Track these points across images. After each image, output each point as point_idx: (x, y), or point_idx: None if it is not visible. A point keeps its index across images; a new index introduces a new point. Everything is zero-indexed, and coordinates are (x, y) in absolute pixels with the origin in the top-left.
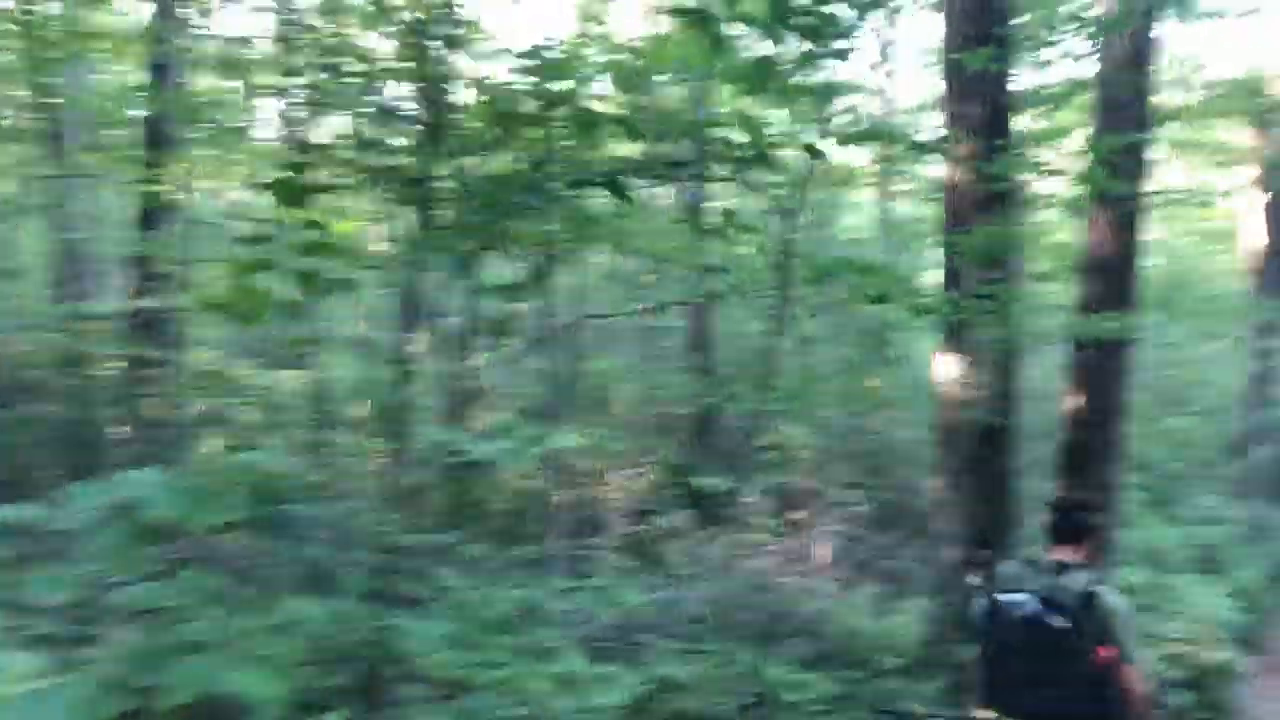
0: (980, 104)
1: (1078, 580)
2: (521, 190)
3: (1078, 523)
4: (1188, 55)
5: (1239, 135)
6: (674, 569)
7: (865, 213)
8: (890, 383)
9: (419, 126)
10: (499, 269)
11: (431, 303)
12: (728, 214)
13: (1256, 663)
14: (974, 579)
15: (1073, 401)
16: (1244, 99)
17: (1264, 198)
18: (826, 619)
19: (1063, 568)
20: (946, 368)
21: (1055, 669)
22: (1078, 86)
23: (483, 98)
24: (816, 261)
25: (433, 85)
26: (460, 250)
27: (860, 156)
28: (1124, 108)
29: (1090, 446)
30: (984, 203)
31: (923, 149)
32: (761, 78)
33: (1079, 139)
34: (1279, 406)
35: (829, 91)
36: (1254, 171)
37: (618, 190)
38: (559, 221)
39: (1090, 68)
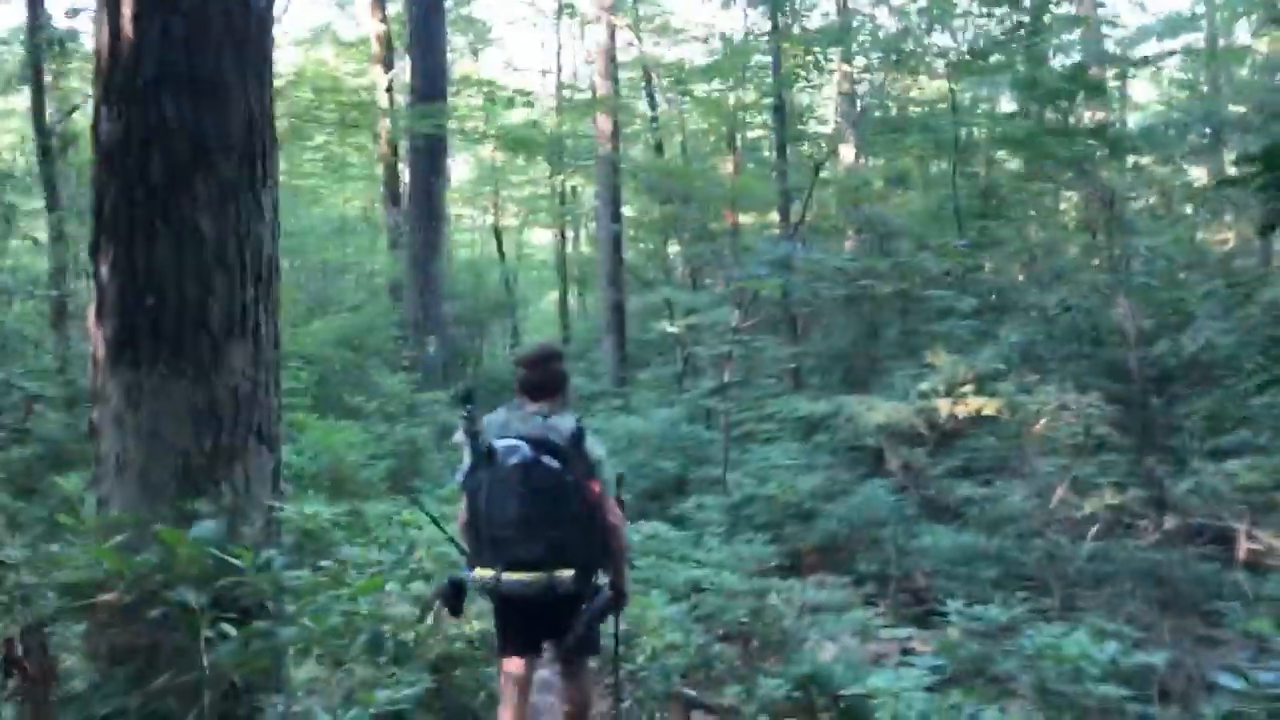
0: None
1: (565, 423)
2: None
3: (552, 374)
4: None
5: None
6: None
7: None
8: None
9: None
10: None
11: None
12: None
13: None
14: (456, 432)
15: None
16: None
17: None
18: None
19: (545, 415)
20: None
21: (552, 510)
22: None
23: None
24: None
25: None
26: None
27: None
28: None
29: None
30: None
31: None
32: None
33: None
34: (440, 295)
35: None
36: None
37: None
38: None
39: None
